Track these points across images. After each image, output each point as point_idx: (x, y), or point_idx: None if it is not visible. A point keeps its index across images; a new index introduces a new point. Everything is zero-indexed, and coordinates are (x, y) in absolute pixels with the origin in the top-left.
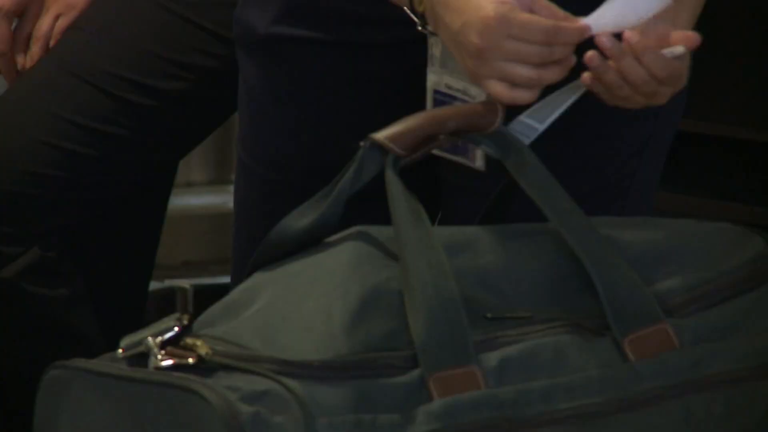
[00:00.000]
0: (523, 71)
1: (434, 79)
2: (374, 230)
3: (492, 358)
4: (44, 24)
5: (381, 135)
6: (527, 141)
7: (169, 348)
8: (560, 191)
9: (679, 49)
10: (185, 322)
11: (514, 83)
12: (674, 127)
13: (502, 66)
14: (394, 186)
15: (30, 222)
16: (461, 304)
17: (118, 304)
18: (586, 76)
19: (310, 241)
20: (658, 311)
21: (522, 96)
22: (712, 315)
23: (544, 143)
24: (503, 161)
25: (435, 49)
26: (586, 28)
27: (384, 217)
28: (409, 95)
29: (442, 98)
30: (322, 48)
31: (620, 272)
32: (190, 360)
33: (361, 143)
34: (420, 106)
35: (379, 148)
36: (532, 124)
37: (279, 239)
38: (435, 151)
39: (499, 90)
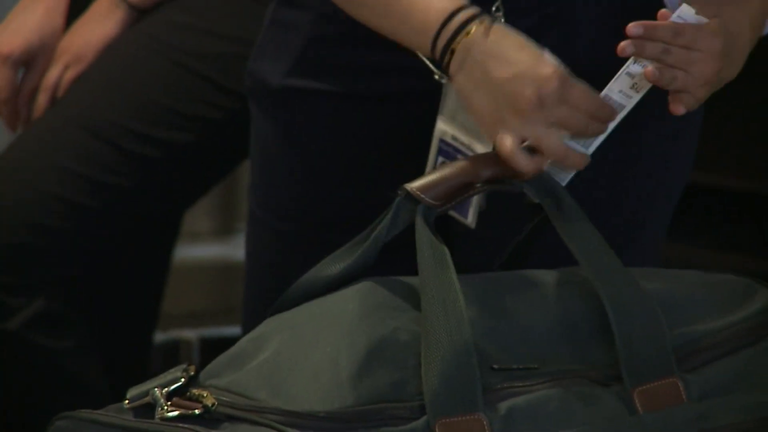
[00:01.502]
0: (557, 139)
1: (442, 128)
2: (382, 281)
3: (500, 407)
4: (52, 75)
5: (413, 185)
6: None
7: (175, 399)
8: (598, 237)
9: (686, 10)
10: (191, 373)
11: (543, 147)
12: (684, 179)
13: (543, 127)
14: (423, 234)
15: (35, 273)
16: (474, 353)
17: (124, 354)
18: (650, 69)
19: (343, 287)
20: (673, 364)
21: (536, 165)
22: (719, 367)
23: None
24: (542, 204)
25: (448, 100)
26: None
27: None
28: (420, 145)
29: (446, 148)
30: (334, 99)
31: (642, 323)
32: (197, 411)
33: (398, 192)
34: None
35: (411, 197)
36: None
37: (311, 285)
38: None
39: (521, 158)
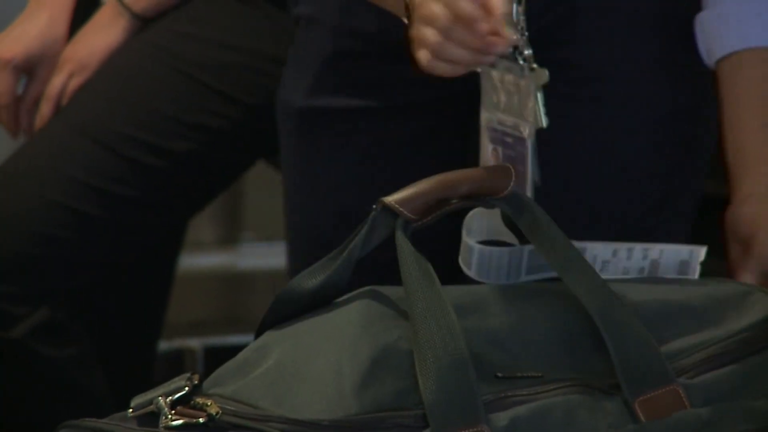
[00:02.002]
0: (429, 34)
1: (487, 116)
2: (384, 290)
3: (502, 417)
4: (56, 83)
5: (392, 198)
6: None
7: (179, 408)
8: (573, 251)
9: None
10: (195, 381)
11: (428, 48)
12: (698, 191)
13: (417, 26)
14: (404, 248)
15: (39, 282)
16: (471, 364)
17: (128, 363)
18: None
19: (319, 302)
20: (670, 373)
21: (440, 68)
22: (723, 375)
23: (560, 201)
24: (517, 222)
25: (487, 91)
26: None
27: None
28: (446, 152)
29: (495, 134)
30: (359, 114)
31: (632, 333)
32: (201, 419)
33: (373, 206)
34: (457, 162)
35: (390, 211)
36: None
37: (288, 299)
38: None
39: (420, 55)
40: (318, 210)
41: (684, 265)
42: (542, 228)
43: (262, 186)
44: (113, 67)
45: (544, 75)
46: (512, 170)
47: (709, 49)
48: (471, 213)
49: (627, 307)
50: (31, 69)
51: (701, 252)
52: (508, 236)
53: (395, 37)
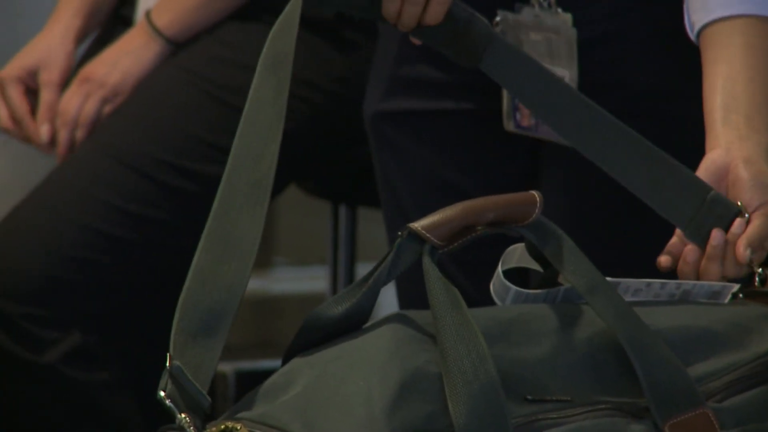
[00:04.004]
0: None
1: None
2: (412, 314)
3: None
4: (90, 109)
5: (418, 225)
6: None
7: (207, 430)
8: (599, 277)
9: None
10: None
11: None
12: None
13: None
14: (432, 274)
15: (71, 306)
16: (501, 387)
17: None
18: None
19: (346, 328)
20: (699, 396)
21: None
22: (751, 397)
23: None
24: (542, 249)
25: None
26: None
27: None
28: (506, 153)
29: None
30: (425, 116)
31: (660, 356)
32: None
33: (399, 233)
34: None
35: (416, 237)
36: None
37: (315, 325)
38: None
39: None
40: (407, 206)
41: (715, 296)
42: (568, 254)
43: (294, 210)
44: (145, 91)
45: (569, 18)
46: (537, 199)
47: (692, 22)
48: (511, 248)
49: (654, 332)
50: (31, 79)
51: (734, 287)
52: (534, 265)
53: None
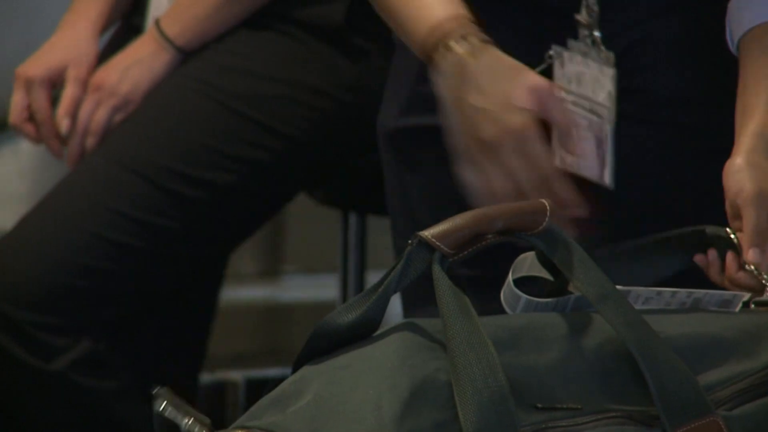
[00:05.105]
0: (504, 183)
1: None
2: (421, 322)
3: None
4: (101, 118)
5: (428, 233)
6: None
7: None
8: (609, 285)
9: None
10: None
11: (488, 186)
12: None
13: (495, 168)
14: (442, 281)
15: (81, 314)
16: (510, 395)
17: None
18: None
19: (355, 337)
20: (709, 404)
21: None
22: (761, 406)
23: (634, 222)
24: (552, 258)
25: (557, 72)
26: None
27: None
28: None
29: (575, 108)
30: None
31: (670, 365)
32: None
33: (409, 241)
34: None
35: (426, 245)
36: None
37: (324, 333)
38: None
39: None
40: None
41: (726, 304)
42: (578, 262)
43: (304, 218)
44: (155, 99)
45: (612, 57)
46: (547, 207)
47: (733, 35)
48: (521, 257)
49: (663, 340)
50: (59, 78)
51: (745, 296)
52: (544, 273)
53: None
